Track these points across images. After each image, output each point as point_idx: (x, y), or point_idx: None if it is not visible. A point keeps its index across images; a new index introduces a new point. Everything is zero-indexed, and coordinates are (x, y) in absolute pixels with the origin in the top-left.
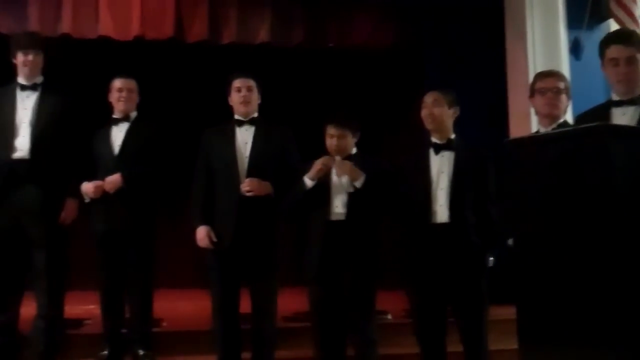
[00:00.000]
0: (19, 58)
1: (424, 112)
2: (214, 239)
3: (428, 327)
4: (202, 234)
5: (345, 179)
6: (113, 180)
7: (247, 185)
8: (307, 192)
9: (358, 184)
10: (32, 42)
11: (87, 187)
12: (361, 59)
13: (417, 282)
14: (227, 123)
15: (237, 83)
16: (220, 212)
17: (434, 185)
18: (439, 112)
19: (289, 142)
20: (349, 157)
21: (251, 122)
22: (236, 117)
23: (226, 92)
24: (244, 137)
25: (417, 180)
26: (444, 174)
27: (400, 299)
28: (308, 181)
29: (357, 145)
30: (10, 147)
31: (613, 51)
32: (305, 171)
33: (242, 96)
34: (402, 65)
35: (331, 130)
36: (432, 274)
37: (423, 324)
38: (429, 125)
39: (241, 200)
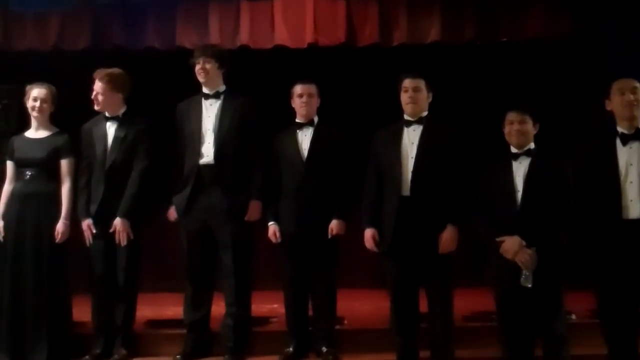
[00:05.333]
0: (195, 68)
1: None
2: (377, 241)
3: (618, 328)
4: (368, 235)
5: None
6: None
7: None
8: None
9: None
10: (202, 51)
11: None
12: (534, 53)
13: (606, 280)
14: (396, 122)
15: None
16: (384, 214)
17: (622, 178)
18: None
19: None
20: (527, 152)
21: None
22: (405, 117)
23: (398, 92)
24: (412, 138)
25: (603, 173)
26: (633, 167)
27: (585, 298)
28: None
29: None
30: (198, 154)
31: None
32: None
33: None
34: (580, 57)
35: (511, 116)
36: (623, 272)
37: (612, 324)
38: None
39: (402, 201)
